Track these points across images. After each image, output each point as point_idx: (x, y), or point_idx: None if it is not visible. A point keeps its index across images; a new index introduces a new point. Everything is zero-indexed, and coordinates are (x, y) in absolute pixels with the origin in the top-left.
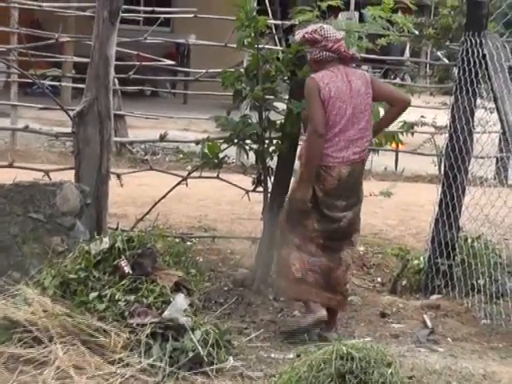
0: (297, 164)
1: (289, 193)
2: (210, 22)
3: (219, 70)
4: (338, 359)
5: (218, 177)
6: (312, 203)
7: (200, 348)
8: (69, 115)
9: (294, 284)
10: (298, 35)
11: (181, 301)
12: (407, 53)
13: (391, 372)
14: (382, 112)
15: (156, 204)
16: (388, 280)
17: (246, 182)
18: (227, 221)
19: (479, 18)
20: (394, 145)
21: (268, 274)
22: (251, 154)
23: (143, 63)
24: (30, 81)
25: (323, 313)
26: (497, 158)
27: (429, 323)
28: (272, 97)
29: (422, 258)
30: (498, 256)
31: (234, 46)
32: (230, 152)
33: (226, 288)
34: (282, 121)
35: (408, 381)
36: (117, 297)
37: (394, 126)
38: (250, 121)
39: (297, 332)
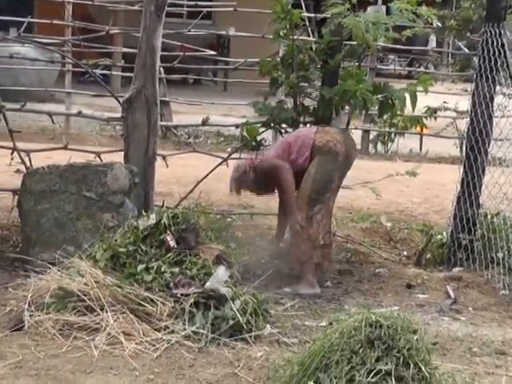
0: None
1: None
2: (248, 15)
3: (257, 60)
4: (367, 327)
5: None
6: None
7: (239, 316)
8: (118, 101)
9: (318, 249)
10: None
11: (222, 273)
12: (434, 43)
13: (417, 339)
14: (408, 98)
15: (198, 183)
16: (413, 253)
17: None
18: (264, 198)
19: (498, 11)
20: (418, 128)
21: None
22: None
23: (187, 53)
24: (82, 70)
25: (319, 290)
26: None
27: (451, 294)
28: (306, 84)
29: (444, 233)
30: None
31: (271, 37)
32: (267, 135)
33: (263, 261)
34: (315, 106)
35: (432, 347)
36: (163, 269)
37: (418, 111)
38: (285, 106)
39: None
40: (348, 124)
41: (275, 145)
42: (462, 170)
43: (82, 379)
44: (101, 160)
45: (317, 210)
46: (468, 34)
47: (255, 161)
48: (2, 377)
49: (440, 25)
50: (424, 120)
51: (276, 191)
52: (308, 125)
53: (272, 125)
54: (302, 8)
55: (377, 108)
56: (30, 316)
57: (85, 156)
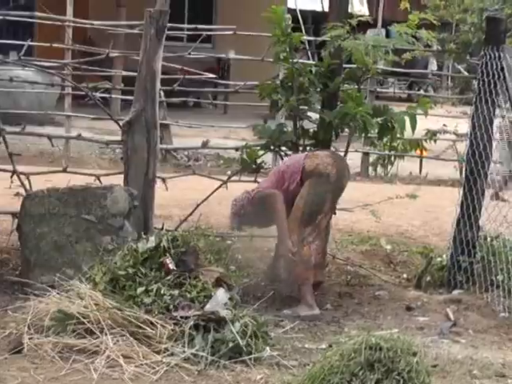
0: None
1: (303, 202)
2: (248, 39)
3: (257, 83)
4: (367, 349)
5: (255, 181)
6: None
7: (239, 339)
8: (118, 124)
9: (312, 270)
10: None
11: (221, 295)
12: (434, 66)
13: (416, 361)
14: (407, 121)
15: (198, 206)
16: (413, 276)
17: None
18: None
19: (498, 34)
20: (418, 151)
21: None
22: None
23: (187, 77)
24: (82, 93)
25: (318, 311)
26: None
27: (451, 316)
28: (306, 107)
29: (444, 256)
30: None
31: (271, 60)
32: (267, 158)
33: (263, 283)
34: (315, 129)
35: (432, 369)
36: (162, 291)
37: (418, 134)
38: (285, 129)
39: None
40: (348, 147)
41: (269, 176)
42: (461, 192)
43: None
44: (100, 183)
45: (308, 232)
46: (467, 57)
47: (252, 194)
48: None
49: (440, 48)
50: (424, 143)
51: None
52: (308, 148)
53: (272, 148)
54: (301, 31)
55: (377, 131)
56: (30, 339)
57: (84, 179)
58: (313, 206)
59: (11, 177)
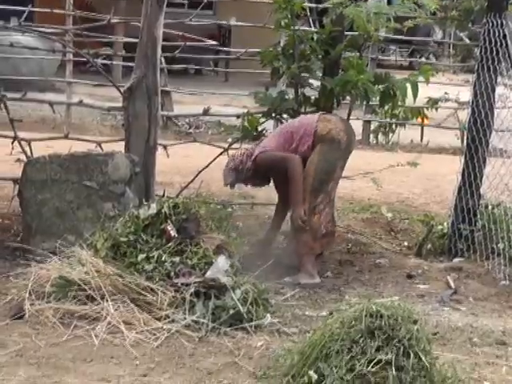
0: None
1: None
2: (249, 5)
3: (258, 50)
4: (367, 317)
5: None
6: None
7: (240, 306)
8: (119, 91)
9: (319, 239)
10: (229, 178)
11: (222, 262)
12: (440, 34)
13: (417, 329)
14: (409, 89)
15: (199, 173)
16: (414, 244)
17: None
18: (265, 189)
19: (500, 1)
20: (419, 119)
21: None
22: None
23: (188, 43)
24: (83, 59)
25: (319, 280)
26: None
27: (452, 284)
28: (307, 74)
29: (445, 224)
30: None
31: (272, 27)
32: (268, 125)
33: (263, 251)
34: (317, 96)
35: (432, 337)
36: (163, 258)
37: (419, 102)
38: (286, 96)
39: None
40: (349, 114)
41: (275, 134)
42: (463, 160)
43: (83, 368)
44: (102, 149)
45: (320, 201)
46: (469, 25)
47: (253, 151)
48: (3, 365)
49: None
50: (425, 111)
51: (269, 183)
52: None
53: (273, 115)
54: None
55: (378, 98)
56: (31, 305)
57: (86, 145)
58: (324, 173)
59: (12, 143)
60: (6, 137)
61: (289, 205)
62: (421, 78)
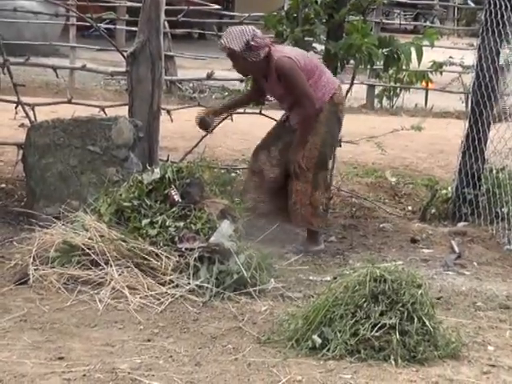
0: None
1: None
2: None
3: (262, 14)
4: (371, 281)
5: (260, 113)
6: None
7: (244, 270)
8: (123, 55)
9: (321, 216)
10: (237, 44)
11: (226, 227)
12: None
13: (421, 293)
14: (413, 53)
15: (203, 138)
16: (418, 208)
17: None
18: None
19: None
20: (424, 83)
21: None
22: None
23: (191, 7)
24: (87, 24)
25: (323, 246)
26: None
27: (456, 248)
28: (311, 38)
29: (449, 188)
30: None
31: None
32: None
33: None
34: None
35: (436, 301)
36: (167, 223)
37: (423, 66)
38: None
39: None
40: (353, 78)
41: (302, 53)
42: (467, 124)
43: (87, 333)
44: (105, 114)
45: (322, 178)
46: None
47: (273, 46)
48: (7, 330)
49: None
50: (429, 75)
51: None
52: None
53: None
54: None
55: (382, 62)
56: (35, 270)
57: (89, 110)
58: (329, 147)
59: (16, 108)
60: (9, 101)
61: None
62: (425, 42)
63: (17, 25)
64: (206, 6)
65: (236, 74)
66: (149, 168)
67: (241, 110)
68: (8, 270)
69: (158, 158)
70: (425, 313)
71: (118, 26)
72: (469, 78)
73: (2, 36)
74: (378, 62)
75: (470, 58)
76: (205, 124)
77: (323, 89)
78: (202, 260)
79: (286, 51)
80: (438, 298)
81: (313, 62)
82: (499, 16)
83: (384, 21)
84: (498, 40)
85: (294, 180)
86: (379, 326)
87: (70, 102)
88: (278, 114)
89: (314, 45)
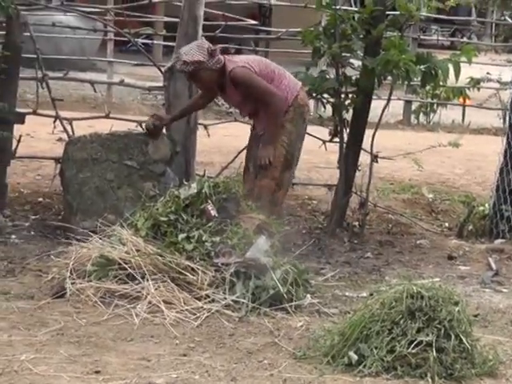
0: None
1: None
2: None
3: (299, 29)
4: (408, 298)
5: None
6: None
7: (280, 286)
8: (160, 70)
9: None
10: (201, 55)
11: (262, 242)
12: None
13: (458, 310)
14: (451, 69)
15: (240, 153)
16: (455, 225)
17: (323, 132)
18: (305, 169)
19: None
20: (461, 99)
21: (343, 218)
22: (328, 107)
23: (228, 23)
24: (124, 39)
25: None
26: None
27: (493, 265)
28: (348, 54)
29: (487, 205)
30: None
31: (313, 6)
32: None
33: (304, 231)
34: (358, 76)
35: (473, 319)
36: (203, 238)
37: (461, 82)
38: (327, 76)
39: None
40: (390, 94)
41: (255, 60)
42: (505, 141)
43: (123, 347)
44: (142, 129)
45: (287, 178)
46: None
47: (230, 59)
48: (44, 343)
49: None
50: (467, 91)
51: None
52: (349, 95)
53: (314, 95)
54: None
55: (419, 78)
56: (72, 284)
57: (126, 125)
58: (294, 147)
59: (54, 122)
60: (47, 116)
61: None
62: (463, 58)
63: (55, 39)
64: (243, 21)
65: None
66: (185, 183)
67: None
68: (45, 284)
69: (195, 172)
70: (462, 330)
71: (155, 41)
72: (506, 95)
73: (41, 51)
74: (415, 78)
75: (508, 74)
76: (154, 132)
77: (286, 91)
78: (238, 275)
79: (239, 60)
80: (475, 316)
81: (269, 67)
82: None
83: (421, 37)
84: None
85: (260, 176)
86: (416, 342)
87: (107, 116)
88: (313, 129)
89: (351, 60)
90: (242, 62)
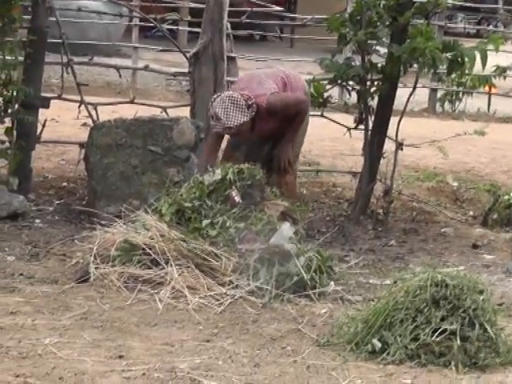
0: None
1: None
2: None
3: (324, 16)
4: (432, 286)
5: (322, 115)
6: None
7: (304, 273)
8: (185, 56)
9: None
10: (243, 115)
11: (286, 229)
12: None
13: (483, 299)
14: (478, 57)
15: None
16: (480, 214)
17: (348, 120)
18: (330, 156)
19: None
20: (487, 88)
21: (367, 205)
22: (353, 94)
23: (254, 9)
24: (150, 25)
25: None
26: None
27: None
28: (374, 41)
29: None
30: None
31: None
32: (334, 92)
33: (328, 218)
34: (383, 63)
35: (498, 308)
36: (228, 224)
37: (487, 70)
38: (353, 63)
39: None
40: (416, 82)
41: (266, 77)
42: None
43: (147, 332)
44: (167, 115)
45: (296, 167)
46: None
47: (260, 97)
48: (68, 328)
49: None
50: (493, 79)
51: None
52: (375, 82)
53: (339, 82)
54: None
55: (445, 66)
56: (96, 268)
57: (151, 110)
58: (303, 140)
59: (79, 107)
60: (72, 101)
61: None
62: (490, 47)
63: (81, 24)
64: (269, 7)
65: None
66: (210, 169)
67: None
68: (69, 268)
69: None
70: (486, 319)
71: (180, 27)
72: None
73: (66, 35)
74: (441, 66)
75: None
76: None
77: (301, 91)
78: (261, 261)
79: (260, 88)
80: (500, 305)
81: (278, 75)
82: None
83: (447, 24)
84: None
85: (283, 174)
86: (440, 331)
87: (132, 102)
88: (338, 117)
89: (377, 48)
90: (266, 89)
